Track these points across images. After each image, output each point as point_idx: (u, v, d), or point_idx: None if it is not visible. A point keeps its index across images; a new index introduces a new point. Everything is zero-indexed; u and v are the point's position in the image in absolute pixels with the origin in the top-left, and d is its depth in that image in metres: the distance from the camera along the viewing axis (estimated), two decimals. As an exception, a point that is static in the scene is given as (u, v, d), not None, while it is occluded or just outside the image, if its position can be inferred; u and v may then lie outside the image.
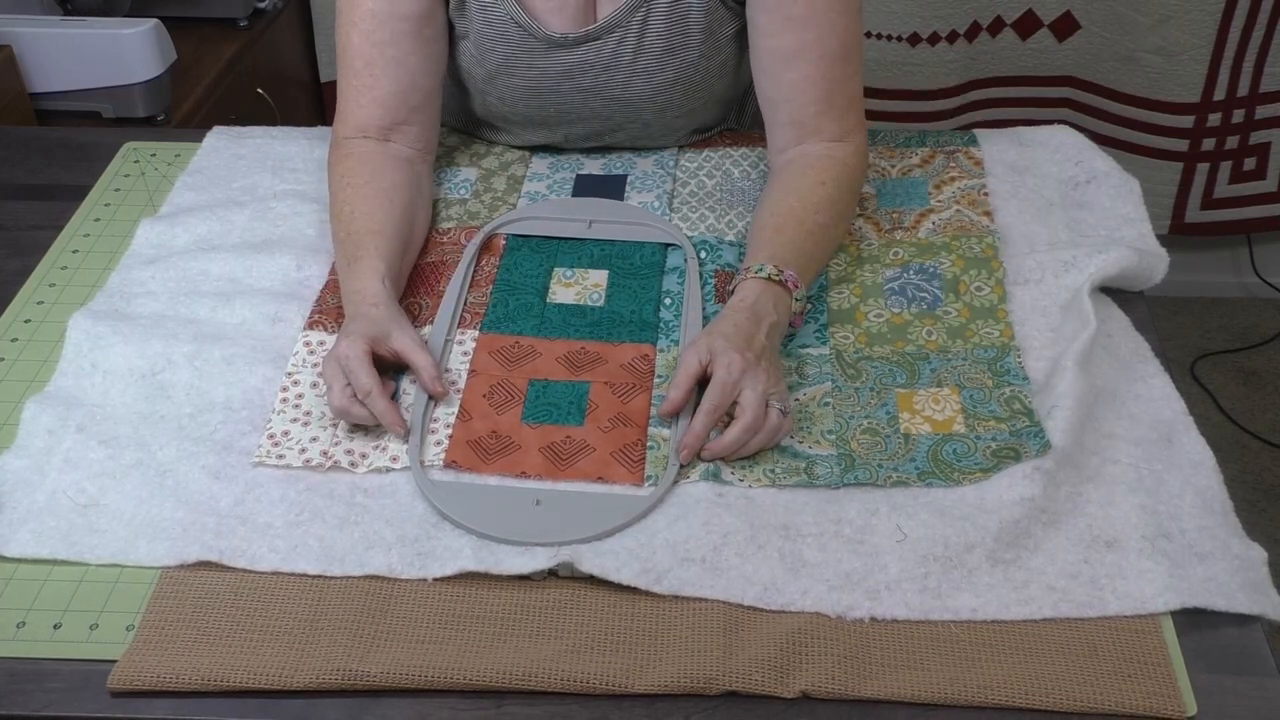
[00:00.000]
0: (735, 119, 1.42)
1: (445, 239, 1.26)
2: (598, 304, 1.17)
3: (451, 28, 1.28)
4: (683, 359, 1.04)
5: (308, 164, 1.37)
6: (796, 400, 1.07)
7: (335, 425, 1.06)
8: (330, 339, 1.14)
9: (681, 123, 1.34)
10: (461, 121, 1.42)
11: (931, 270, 1.19)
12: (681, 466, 1.00)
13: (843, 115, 1.22)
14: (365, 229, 1.16)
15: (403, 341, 1.07)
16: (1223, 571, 0.92)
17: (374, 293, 1.11)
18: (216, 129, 1.44)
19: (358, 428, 1.05)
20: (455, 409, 1.07)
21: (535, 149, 1.38)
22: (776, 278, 1.09)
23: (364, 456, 1.03)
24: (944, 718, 0.85)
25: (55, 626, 0.91)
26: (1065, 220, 1.25)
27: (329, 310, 1.17)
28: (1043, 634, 0.89)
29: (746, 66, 1.35)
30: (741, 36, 1.27)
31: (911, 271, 1.19)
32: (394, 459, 1.02)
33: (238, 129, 1.45)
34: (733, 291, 1.11)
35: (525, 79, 1.27)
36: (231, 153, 1.40)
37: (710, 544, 0.95)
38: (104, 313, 1.16)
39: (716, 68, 1.29)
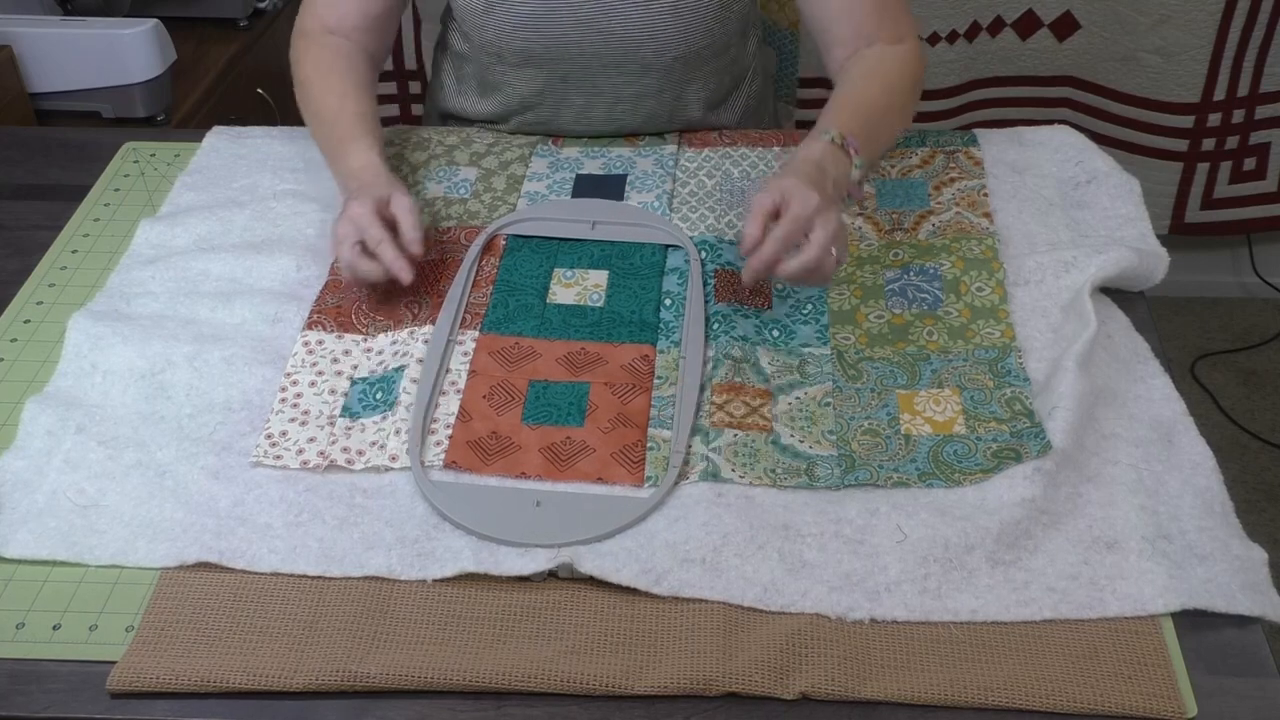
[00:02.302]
0: (728, 103, 1.42)
1: (445, 239, 1.25)
2: (598, 304, 1.17)
3: None
4: (755, 201, 1.09)
5: (308, 164, 1.37)
6: (797, 399, 1.07)
7: (332, 424, 1.06)
8: (330, 338, 1.14)
9: (680, 76, 1.34)
10: (457, 97, 1.42)
11: (932, 272, 1.18)
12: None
13: (896, 21, 1.28)
14: (354, 111, 1.25)
15: (401, 203, 1.15)
16: (1223, 572, 0.92)
17: (374, 166, 1.19)
18: (216, 129, 1.44)
19: (354, 428, 1.05)
20: (455, 409, 1.07)
21: (535, 139, 1.38)
22: (839, 142, 1.15)
23: (360, 453, 1.03)
24: (944, 719, 0.85)
25: (55, 627, 0.91)
26: (1065, 220, 1.25)
27: (328, 310, 1.17)
28: (1043, 635, 0.89)
29: (750, 39, 1.35)
30: None
31: (912, 273, 1.19)
32: (393, 457, 1.02)
33: (238, 129, 1.45)
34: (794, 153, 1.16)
35: (523, 5, 1.28)
36: (231, 153, 1.40)
37: (710, 545, 0.95)
38: (104, 313, 1.16)
39: (716, 8, 1.29)
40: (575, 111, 1.36)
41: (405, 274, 1.12)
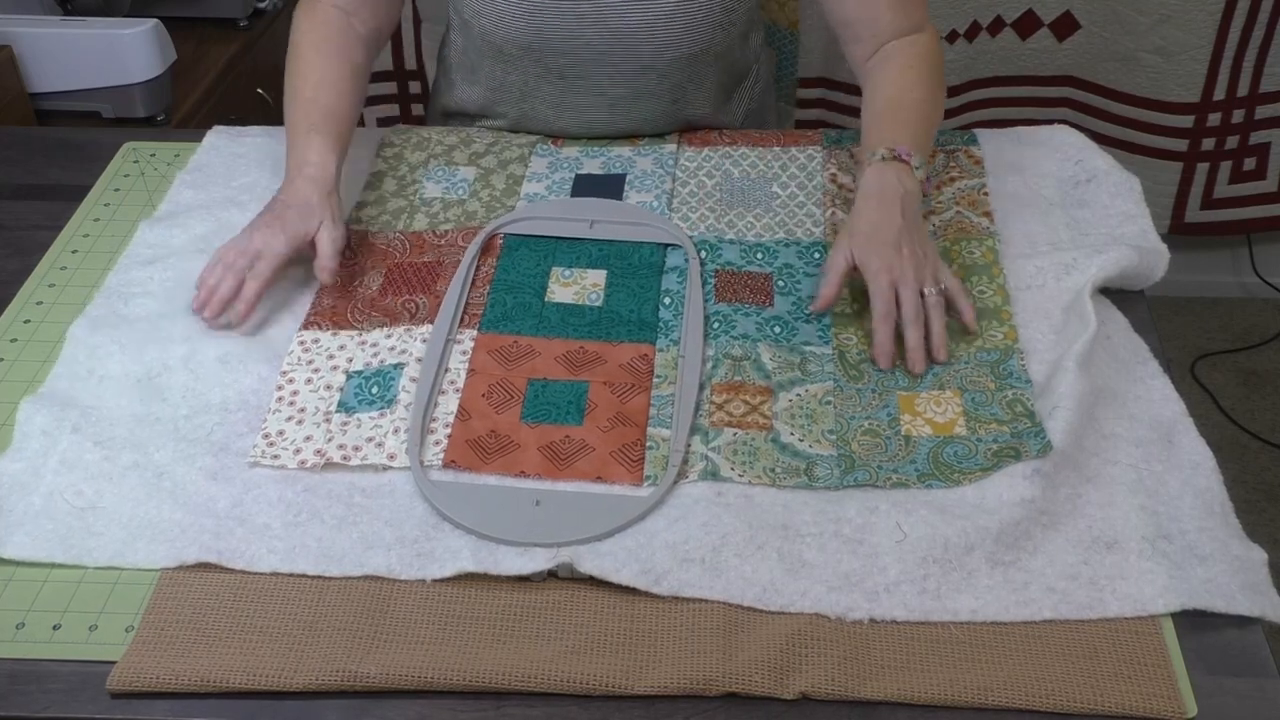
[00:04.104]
0: (729, 103, 1.42)
1: (444, 239, 1.25)
2: (596, 304, 1.17)
3: None
4: (831, 260, 1.14)
5: (307, 164, 1.37)
6: (798, 396, 1.07)
7: (328, 420, 1.06)
8: (325, 337, 1.14)
9: (679, 76, 1.33)
10: (458, 92, 1.42)
11: None
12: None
13: (910, 11, 1.29)
14: (331, 106, 1.25)
15: (324, 236, 1.16)
16: (1223, 573, 0.92)
17: (325, 175, 1.20)
18: (216, 128, 1.44)
19: (350, 423, 1.05)
20: (454, 408, 1.07)
21: (534, 138, 1.38)
22: (890, 157, 1.17)
23: (357, 449, 1.03)
24: (943, 719, 0.85)
25: (55, 627, 0.91)
26: (1065, 219, 1.25)
27: (324, 310, 1.17)
28: (1042, 636, 0.89)
29: (751, 40, 1.35)
30: None
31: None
32: (391, 456, 1.02)
33: (238, 128, 1.45)
34: (854, 185, 1.20)
35: None
36: (231, 152, 1.40)
37: (709, 544, 0.95)
38: (102, 318, 1.15)
39: (718, 10, 1.29)
40: (572, 110, 1.36)
41: (228, 320, 1.14)
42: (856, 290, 1.18)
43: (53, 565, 0.95)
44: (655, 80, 1.33)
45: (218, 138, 1.42)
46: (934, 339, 1.10)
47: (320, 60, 1.28)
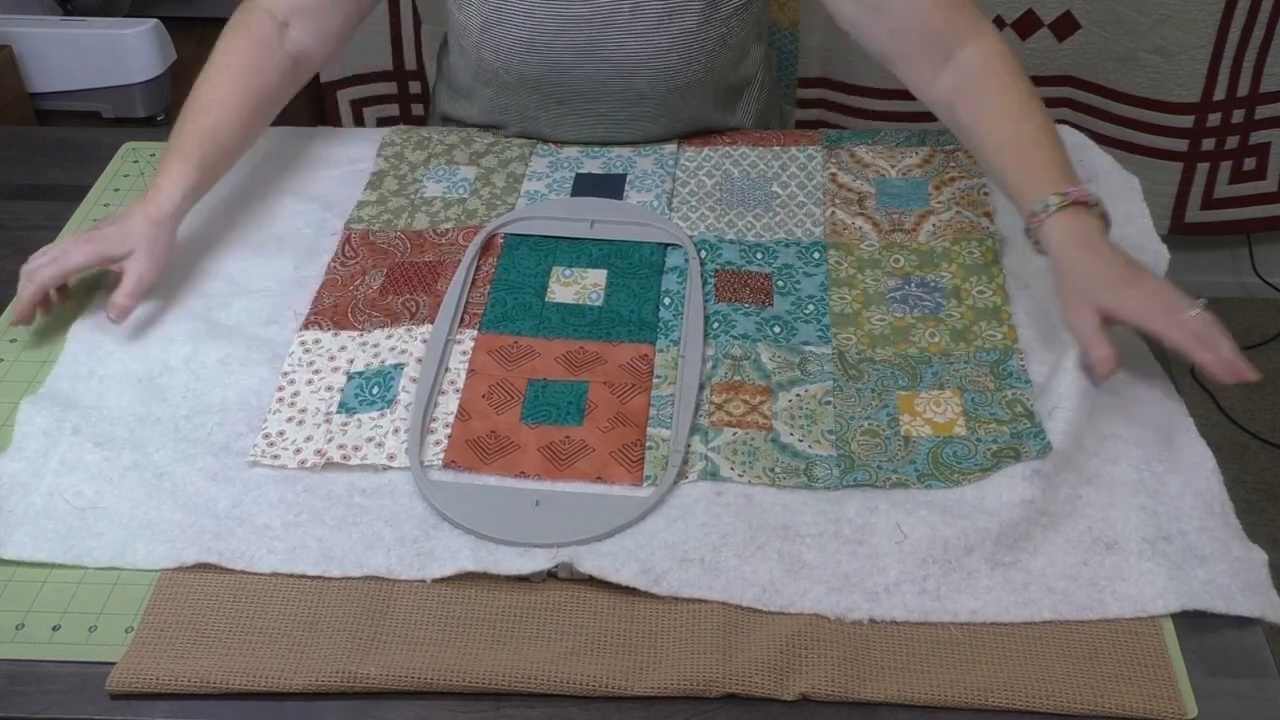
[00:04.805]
0: (732, 113, 1.42)
1: (444, 239, 1.25)
2: (596, 303, 1.17)
3: None
4: (1080, 325, 1.02)
5: (307, 164, 1.37)
6: (798, 395, 1.07)
7: (329, 421, 1.06)
8: (326, 337, 1.14)
9: (677, 102, 1.33)
10: (457, 106, 1.42)
11: (933, 284, 1.18)
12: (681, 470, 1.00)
13: (963, 7, 1.19)
14: (209, 129, 1.21)
15: (133, 268, 1.13)
16: (1223, 573, 0.92)
17: (162, 204, 1.16)
18: None
19: (350, 423, 1.05)
20: (454, 409, 1.07)
21: (534, 143, 1.38)
22: (1066, 205, 1.06)
23: (356, 449, 1.03)
24: (943, 720, 0.85)
25: (54, 628, 0.91)
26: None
27: (325, 310, 1.17)
28: (1043, 636, 0.89)
29: (753, 54, 1.34)
30: (747, 10, 1.27)
31: (913, 284, 1.18)
32: (391, 456, 1.02)
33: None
34: (1035, 240, 1.09)
35: (521, 29, 1.26)
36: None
37: (709, 545, 0.95)
38: (104, 319, 1.15)
39: (715, 41, 1.28)
40: (571, 127, 1.36)
41: (17, 311, 1.14)
42: (858, 294, 1.18)
43: (53, 566, 0.95)
44: (652, 107, 1.33)
45: None
46: (1226, 354, 1.00)
47: (223, 79, 1.24)
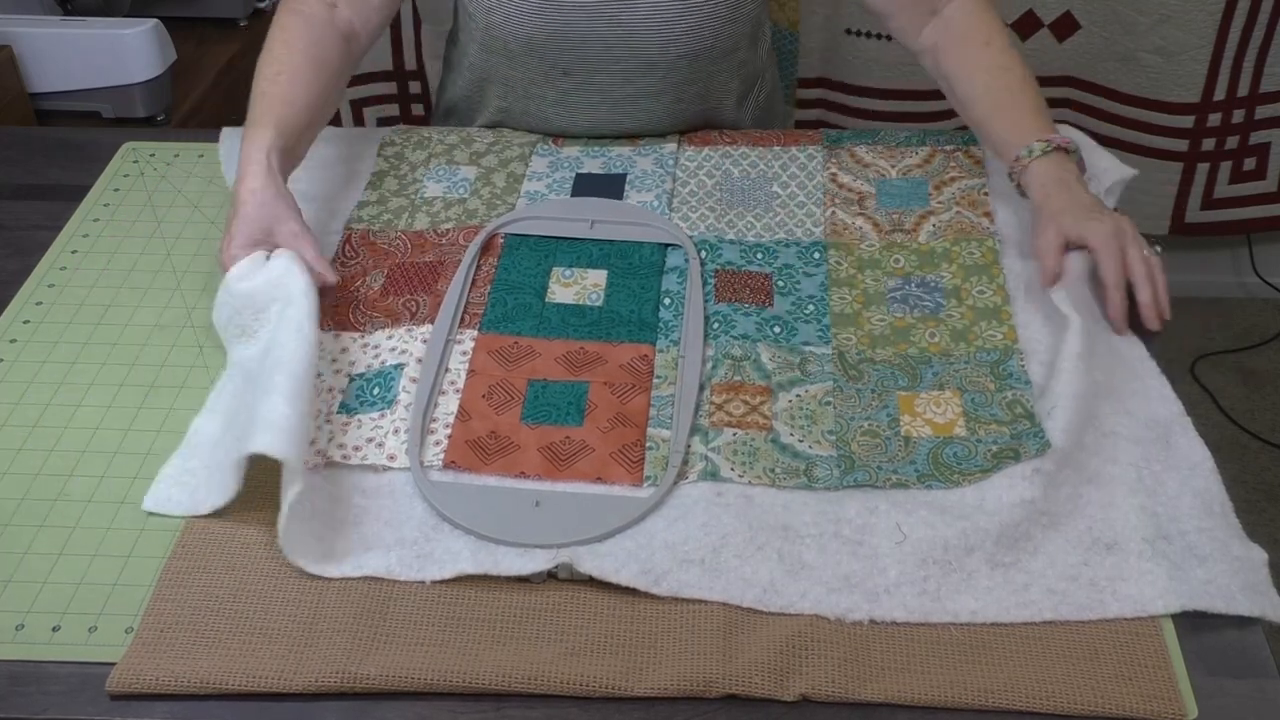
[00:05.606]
0: (736, 108, 1.42)
1: (444, 239, 1.25)
2: (597, 304, 1.17)
3: None
4: (1043, 241, 1.13)
5: (310, 163, 1.36)
6: (798, 396, 1.07)
7: (330, 421, 1.06)
8: (327, 337, 1.14)
9: (685, 73, 1.33)
10: (460, 87, 1.42)
11: (933, 284, 1.18)
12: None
13: None
14: (281, 95, 1.21)
15: (285, 235, 1.13)
16: (1223, 573, 0.92)
17: (256, 171, 1.15)
18: (226, 130, 1.44)
19: (350, 423, 1.05)
20: (454, 409, 1.07)
21: (535, 138, 1.38)
22: (1049, 150, 1.17)
23: (356, 449, 1.03)
24: (944, 720, 0.85)
25: (54, 629, 0.91)
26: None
27: (326, 310, 1.16)
28: (1043, 637, 0.89)
29: (762, 44, 1.35)
30: None
31: (913, 284, 1.18)
32: (391, 457, 1.02)
33: (242, 129, 1.44)
34: (1018, 183, 1.20)
35: None
36: (236, 151, 1.39)
37: (709, 545, 0.95)
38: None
39: (727, 7, 1.29)
40: (574, 108, 1.36)
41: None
42: (858, 294, 1.18)
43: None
44: (659, 79, 1.33)
45: (230, 140, 1.41)
46: (1162, 298, 1.10)
47: (286, 53, 1.25)
